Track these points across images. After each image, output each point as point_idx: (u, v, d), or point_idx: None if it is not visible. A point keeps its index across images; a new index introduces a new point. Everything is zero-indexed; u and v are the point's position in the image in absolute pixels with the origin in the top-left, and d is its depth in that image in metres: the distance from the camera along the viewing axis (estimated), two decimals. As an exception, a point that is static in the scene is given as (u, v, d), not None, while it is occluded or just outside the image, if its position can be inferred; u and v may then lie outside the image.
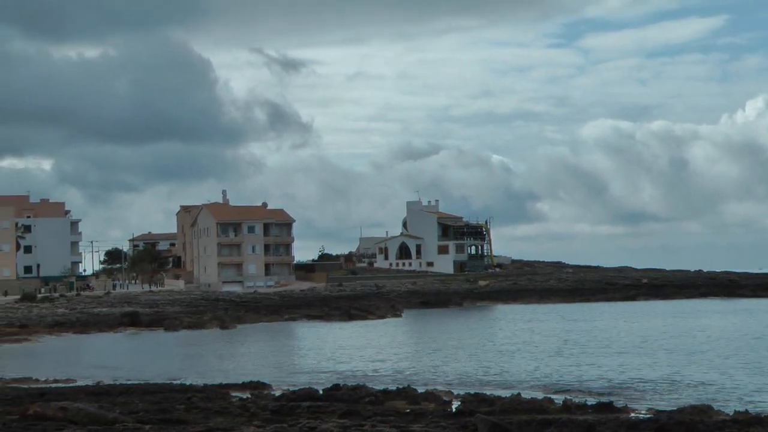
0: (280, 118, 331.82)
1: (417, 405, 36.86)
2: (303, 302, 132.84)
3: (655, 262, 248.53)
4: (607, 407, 35.37)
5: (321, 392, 40.01)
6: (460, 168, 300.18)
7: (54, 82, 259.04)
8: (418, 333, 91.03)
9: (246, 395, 40.10)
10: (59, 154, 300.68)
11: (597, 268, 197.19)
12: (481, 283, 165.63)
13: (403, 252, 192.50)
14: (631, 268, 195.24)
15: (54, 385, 46.26)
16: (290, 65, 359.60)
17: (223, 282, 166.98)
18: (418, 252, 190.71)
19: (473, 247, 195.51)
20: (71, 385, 46.65)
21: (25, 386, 45.73)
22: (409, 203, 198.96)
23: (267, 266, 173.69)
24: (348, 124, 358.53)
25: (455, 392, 42.16)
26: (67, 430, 29.12)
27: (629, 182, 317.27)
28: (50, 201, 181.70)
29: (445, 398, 39.37)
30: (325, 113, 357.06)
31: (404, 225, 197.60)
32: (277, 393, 41.33)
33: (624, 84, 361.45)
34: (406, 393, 39.54)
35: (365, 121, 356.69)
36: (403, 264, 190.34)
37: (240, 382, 45.70)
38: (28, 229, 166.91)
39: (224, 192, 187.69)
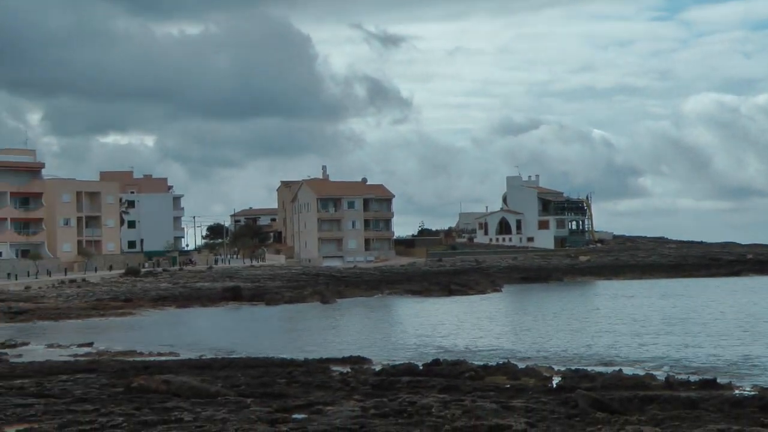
0: (380, 94, 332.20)
1: (517, 380, 36.57)
2: (403, 277, 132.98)
3: (761, 237, 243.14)
4: (711, 384, 34.66)
5: (421, 367, 39.92)
6: (560, 143, 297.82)
7: (156, 59, 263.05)
8: (518, 308, 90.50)
9: (346, 370, 40.17)
10: (162, 130, 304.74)
11: (701, 243, 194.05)
12: (582, 258, 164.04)
13: (503, 227, 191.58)
14: (736, 243, 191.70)
15: (157, 359, 46.90)
16: (390, 41, 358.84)
17: (324, 257, 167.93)
18: (518, 227, 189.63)
19: (574, 223, 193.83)
20: (174, 358, 47.24)
21: (130, 359, 46.46)
22: (509, 178, 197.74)
23: (367, 241, 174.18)
24: (448, 100, 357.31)
25: (555, 368, 41.71)
26: (171, 403, 29.40)
27: (734, 157, 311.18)
28: (153, 177, 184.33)
29: (545, 374, 38.98)
30: (425, 88, 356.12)
31: (504, 200, 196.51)
32: (377, 368, 41.34)
33: (728, 57, 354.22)
34: (506, 368, 39.27)
35: (465, 96, 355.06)
36: (503, 239, 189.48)
37: (340, 356, 45.82)
38: (132, 204, 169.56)
39: (324, 167, 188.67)
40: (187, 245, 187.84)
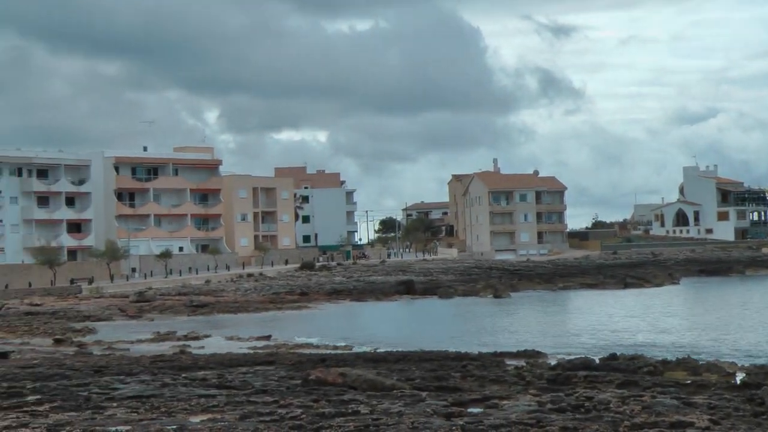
0: (552, 85, 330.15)
1: (698, 376, 35.61)
2: (577, 270, 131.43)
3: None
4: None
5: (597, 361, 39.27)
6: (739, 131, 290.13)
7: (328, 55, 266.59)
8: (697, 301, 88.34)
9: (521, 364, 39.81)
10: (334, 125, 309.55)
11: None
12: (765, 250, 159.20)
13: (680, 219, 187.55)
14: None
15: (333, 352, 47.40)
16: (561, 31, 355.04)
17: (496, 250, 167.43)
18: (696, 219, 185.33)
19: (755, 214, 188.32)
20: (350, 351, 47.68)
21: (307, 352, 47.09)
22: (685, 169, 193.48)
23: (539, 234, 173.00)
24: (621, 89, 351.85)
25: (739, 363, 40.45)
26: (347, 395, 29.66)
27: None
28: (326, 172, 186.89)
29: (728, 369, 37.85)
30: (598, 78, 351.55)
31: (681, 191, 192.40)
32: (553, 362, 40.84)
33: None
34: (686, 363, 38.28)
35: (638, 86, 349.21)
36: (680, 231, 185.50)
37: (515, 350, 45.50)
38: (306, 199, 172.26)
39: (495, 160, 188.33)
40: (360, 239, 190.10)
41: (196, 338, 57.56)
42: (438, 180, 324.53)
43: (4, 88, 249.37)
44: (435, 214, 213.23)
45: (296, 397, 29.59)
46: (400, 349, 45.99)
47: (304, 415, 25.99)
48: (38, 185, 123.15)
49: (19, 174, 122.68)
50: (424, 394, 30.27)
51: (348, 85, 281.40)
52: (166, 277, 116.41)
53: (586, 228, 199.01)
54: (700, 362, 38.97)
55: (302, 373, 35.00)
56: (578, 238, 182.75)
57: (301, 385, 32.80)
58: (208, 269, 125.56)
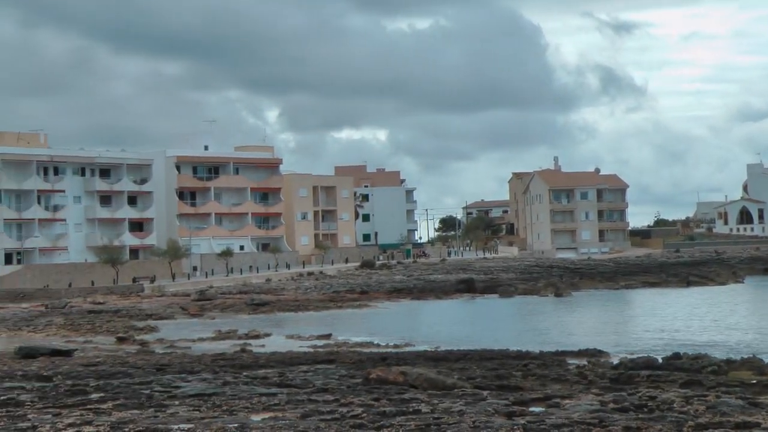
0: (613, 82, 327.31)
1: (763, 376, 35.09)
2: (639, 269, 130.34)
3: None
4: None
5: (660, 361, 38.88)
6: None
7: (387, 54, 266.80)
8: (761, 300, 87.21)
9: (583, 363, 39.53)
10: (393, 124, 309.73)
11: None
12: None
13: (744, 217, 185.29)
14: None
15: (394, 350, 47.38)
16: (622, 28, 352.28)
17: (557, 249, 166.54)
18: (761, 216, 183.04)
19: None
20: (410, 350, 47.64)
21: (367, 350, 47.11)
22: (749, 166, 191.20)
23: (601, 232, 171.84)
24: (683, 86, 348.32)
25: (806, 363, 39.80)
26: (408, 394, 29.60)
27: None
28: (386, 170, 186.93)
29: (794, 369, 37.27)
30: (659, 75, 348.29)
31: (745, 189, 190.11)
32: (615, 361, 40.49)
33: None
34: (750, 363, 37.75)
35: (701, 83, 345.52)
36: (744, 229, 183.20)
37: (576, 349, 45.18)
38: (366, 198, 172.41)
39: (556, 158, 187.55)
40: (420, 238, 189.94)
41: (257, 337, 57.83)
42: (498, 178, 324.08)
43: (68, 88, 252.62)
44: (495, 213, 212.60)
45: (357, 396, 29.59)
46: (460, 348, 45.86)
47: (365, 414, 25.97)
48: (101, 184, 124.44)
49: (83, 173, 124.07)
50: (485, 393, 30.13)
51: (408, 84, 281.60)
52: (227, 276, 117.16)
53: (648, 226, 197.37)
54: (766, 362, 38.43)
55: (363, 372, 35.01)
56: (640, 236, 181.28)
57: (362, 383, 32.80)
58: (269, 268, 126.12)
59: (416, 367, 35.81)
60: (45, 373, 37.39)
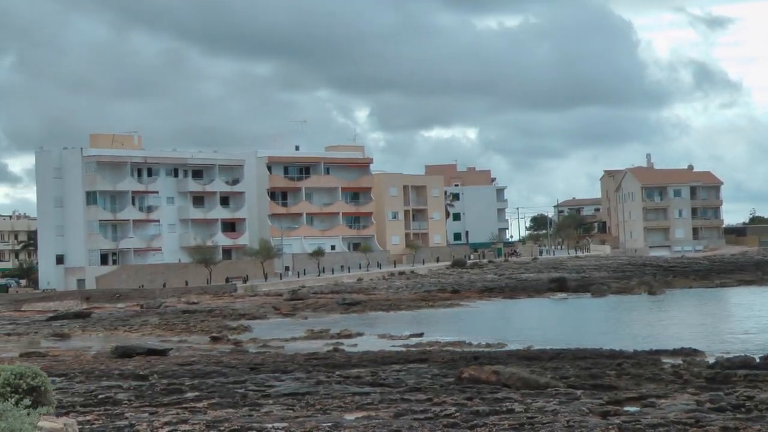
0: (706, 78, 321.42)
1: None
2: (734, 267, 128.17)
3: None
4: None
5: (758, 360, 38.21)
6: None
7: (477, 52, 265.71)
8: None
9: (678, 362, 38.99)
10: (483, 122, 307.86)
11: None
12: None
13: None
14: None
15: (486, 350, 47.22)
16: (716, 23, 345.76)
17: (650, 247, 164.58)
18: None
19: None
20: (502, 349, 47.43)
21: (459, 350, 47.04)
22: None
23: (694, 230, 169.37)
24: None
25: None
26: (501, 393, 29.49)
27: None
28: (476, 169, 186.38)
29: None
30: (755, 71, 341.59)
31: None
32: (711, 360, 39.87)
33: None
34: None
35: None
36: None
37: (671, 348, 44.59)
38: (456, 197, 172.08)
39: (648, 155, 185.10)
40: (511, 236, 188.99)
41: (349, 336, 58.05)
42: (590, 176, 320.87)
43: (160, 90, 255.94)
44: (587, 211, 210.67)
45: (450, 395, 29.57)
46: (553, 347, 45.54)
47: (458, 413, 25.94)
48: (194, 185, 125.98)
49: (175, 174, 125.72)
50: (579, 392, 29.91)
51: (498, 82, 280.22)
52: (318, 276, 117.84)
53: (744, 224, 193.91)
54: None
55: (455, 371, 34.97)
56: (735, 233, 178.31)
57: (455, 382, 32.76)
58: (360, 267, 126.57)
59: (509, 366, 35.66)
60: (141, 372, 37.97)
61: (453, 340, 53.24)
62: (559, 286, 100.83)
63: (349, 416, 26.22)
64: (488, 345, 50.28)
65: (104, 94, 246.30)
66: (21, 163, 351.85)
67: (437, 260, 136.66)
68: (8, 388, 16.69)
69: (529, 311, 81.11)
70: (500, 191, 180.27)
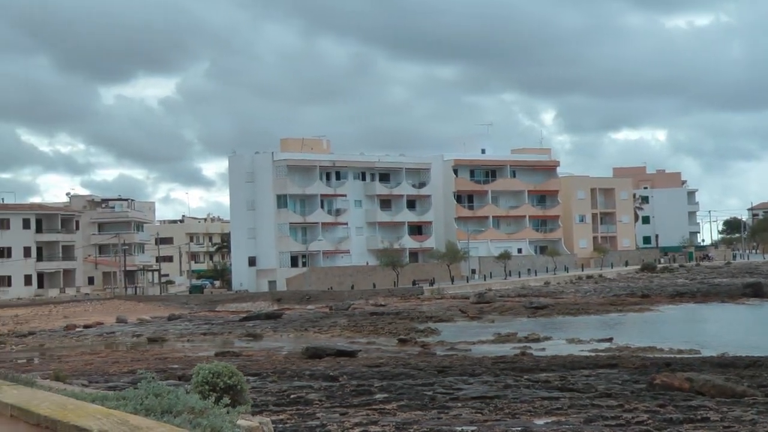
0: None
1: None
2: None
3: None
4: None
5: None
6: None
7: (666, 52, 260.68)
8: None
9: None
10: (673, 123, 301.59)
11: None
12: None
13: None
14: None
15: (678, 356, 46.15)
16: None
17: None
18: None
19: None
20: (695, 355, 46.28)
21: (650, 355, 46.11)
22: None
23: None
24: None
25: None
26: (695, 401, 28.74)
27: None
28: (666, 171, 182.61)
29: None
30: None
31: None
32: None
33: None
34: None
35: None
36: None
37: None
38: (645, 200, 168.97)
39: None
40: (703, 240, 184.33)
41: (537, 340, 57.60)
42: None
43: (348, 94, 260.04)
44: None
45: (641, 402, 29.00)
46: (750, 354, 44.12)
47: (650, 420, 25.42)
48: (381, 189, 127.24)
49: (363, 178, 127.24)
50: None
51: (688, 82, 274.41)
52: (504, 279, 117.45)
53: None
54: None
55: (647, 377, 34.28)
56: None
57: (646, 389, 32.11)
58: (547, 270, 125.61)
59: (702, 373, 34.73)
60: (331, 373, 38.51)
61: (643, 345, 52.21)
62: (755, 291, 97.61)
63: (539, 421, 26.00)
64: (680, 351, 49.13)
65: (294, 99, 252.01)
66: (214, 168, 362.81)
67: (626, 264, 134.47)
68: (206, 386, 17.15)
69: (723, 317, 78.81)
70: (691, 194, 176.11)
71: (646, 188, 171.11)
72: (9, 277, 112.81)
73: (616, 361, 42.13)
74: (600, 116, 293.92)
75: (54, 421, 5.39)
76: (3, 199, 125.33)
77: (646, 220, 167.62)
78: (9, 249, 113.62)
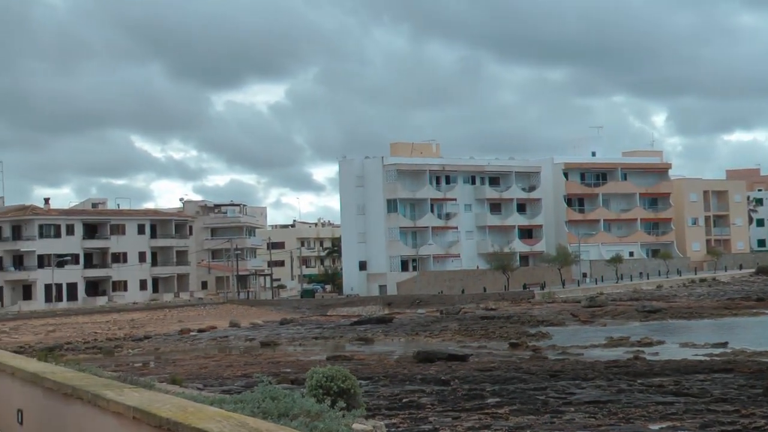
0: None
1: None
2: None
3: None
4: None
5: None
6: None
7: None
8: None
9: None
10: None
11: None
12: None
13: None
14: None
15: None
16: None
17: None
18: None
19: None
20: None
21: (767, 360, 45.25)
22: None
23: None
24: None
25: None
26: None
27: None
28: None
29: None
30: None
31: None
32: None
33: None
34: None
35: None
36: None
37: None
38: (759, 202, 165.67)
39: None
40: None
41: (650, 344, 56.92)
42: None
43: (457, 97, 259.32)
44: None
45: (759, 407, 28.53)
46: None
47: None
48: (491, 192, 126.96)
49: (473, 182, 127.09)
50: None
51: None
52: (616, 282, 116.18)
53: None
54: None
55: (764, 382, 33.72)
56: None
57: (763, 394, 31.58)
58: (659, 274, 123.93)
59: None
60: (443, 377, 38.63)
61: (760, 349, 51.22)
62: None
63: (654, 426, 25.78)
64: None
65: (403, 103, 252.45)
66: (324, 172, 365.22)
67: (740, 267, 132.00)
68: (320, 390, 17.42)
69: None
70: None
71: (760, 190, 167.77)
72: (125, 282, 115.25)
73: (731, 365, 41.44)
74: (712, 118, 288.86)
75: (176, 423, 5.58)
76: (119, 205, 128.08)
77: (760, 222, 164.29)
78: (125, 254, 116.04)
